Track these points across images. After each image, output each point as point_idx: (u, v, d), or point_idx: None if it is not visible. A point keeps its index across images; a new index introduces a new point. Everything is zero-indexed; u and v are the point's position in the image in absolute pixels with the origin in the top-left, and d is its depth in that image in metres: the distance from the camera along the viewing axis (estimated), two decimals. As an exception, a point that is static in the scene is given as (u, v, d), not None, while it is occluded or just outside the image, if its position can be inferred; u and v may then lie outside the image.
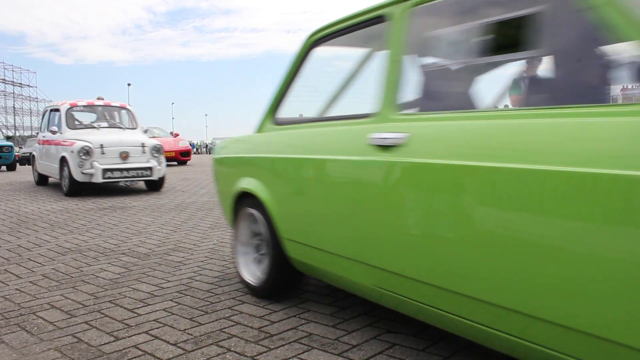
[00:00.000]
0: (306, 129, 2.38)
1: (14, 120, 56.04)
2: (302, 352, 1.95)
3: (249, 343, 2.05)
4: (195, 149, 53.73)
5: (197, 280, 2.96)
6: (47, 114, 9.00)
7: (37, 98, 60.93)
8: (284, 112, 2.59)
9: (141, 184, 8.77)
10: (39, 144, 9.28)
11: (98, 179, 7.32)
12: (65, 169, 7.52)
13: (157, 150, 7.91)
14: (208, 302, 2.56)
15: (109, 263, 3.43)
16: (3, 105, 56.08)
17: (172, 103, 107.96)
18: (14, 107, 57.22)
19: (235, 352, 1.96)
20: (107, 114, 8.87)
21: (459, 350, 1.94)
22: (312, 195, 2.15)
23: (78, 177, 7.30)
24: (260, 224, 2.51)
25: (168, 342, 2.07)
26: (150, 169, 7.72)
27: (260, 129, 2.69)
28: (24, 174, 14.20)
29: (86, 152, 7.28)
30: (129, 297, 2.68)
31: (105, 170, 7.35)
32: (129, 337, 2.13)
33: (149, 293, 2.74)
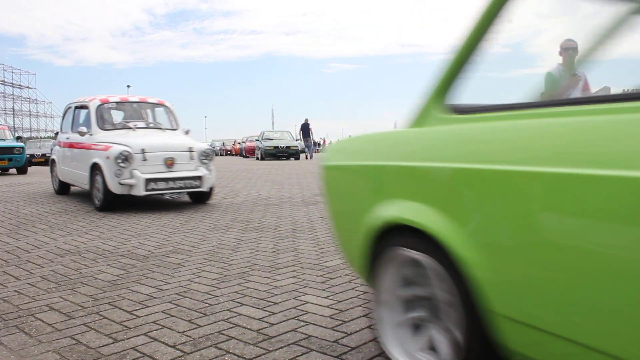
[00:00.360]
0: (542, 118, 1.29)
1: (13, 122, 56.05)
2: (301, 355, 1.95)
3: (247, 345, 2.05)
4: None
5: (195, 282, 2.96)
6: (71, 111, 7.62)
7: (36, 100, 60.89)
8: (467, 95, 1.59)
9: (185, 196, 7.05)
10: (59, 146, 7.86)
11: (140, 191, 5.90)
12: (98, 178, 6.15)
13: (206, 155, 6.47)
14: (207, 304, 2.57)
15: (107, 265, 3.43)
16: (2, 107, 56.07)
17: (172, 105, 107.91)
18: (13, 108, 57.21)
19: (234, 354, 1.96)
20: (142, 112, 7.51)
21: (457, 353, 1.94)
22: (598, 246, 1.05)
23: (115, 188, 5.91)
24: (436, 279, 1.51)
25: (167, 344, 2.07)
26: (199, 178, 6.25)
27: (421, 121, 1.68)
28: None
29: (125, 158, 5.90)
30: (127, 299, 2.68)
31: (148, 181, 5.93)
32: (127, 339, 2.13)
33: (147, 295, 2.74)
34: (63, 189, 8.08)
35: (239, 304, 2.56)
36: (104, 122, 6.88)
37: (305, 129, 22.71)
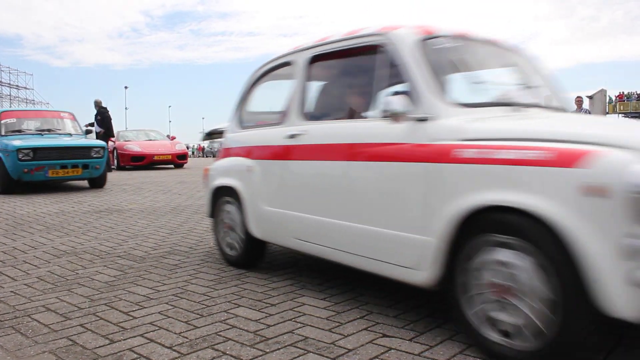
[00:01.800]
0: None
1: (10, 122, 55.73)
2: (298, 356, 1.95)
3: (244, 346, 2.05)
4: (192, 152, 54.09)
5: (193, 284, 2.96)
6: (295, 70, 2.98)
7: (33, 100, 60.74)
8: None
9: None
10: (247, 158, 3.23)
11: None
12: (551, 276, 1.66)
13: None
14: (204, 305, 2.56)
15: (104, 266, 3.42)
16: (-1, 107, 56.01)
17: (169, 106, 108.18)
18: (10, 109, 57.14)
19: (231, 356, 1.96)
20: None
21: (454, 356, 1.94)
22: None
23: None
24: None
25: (163, 345, 2.07)
26: None
27: None
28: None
29: None
30: (124, 300, 2.68)
31: None
32: (124, 340, 2.13)
33: (144, 296, 2.74)
34: (253, 253, 3.31)
35: (236, 306, 2.56)
36: (448, 88, 2.39)
37: None
